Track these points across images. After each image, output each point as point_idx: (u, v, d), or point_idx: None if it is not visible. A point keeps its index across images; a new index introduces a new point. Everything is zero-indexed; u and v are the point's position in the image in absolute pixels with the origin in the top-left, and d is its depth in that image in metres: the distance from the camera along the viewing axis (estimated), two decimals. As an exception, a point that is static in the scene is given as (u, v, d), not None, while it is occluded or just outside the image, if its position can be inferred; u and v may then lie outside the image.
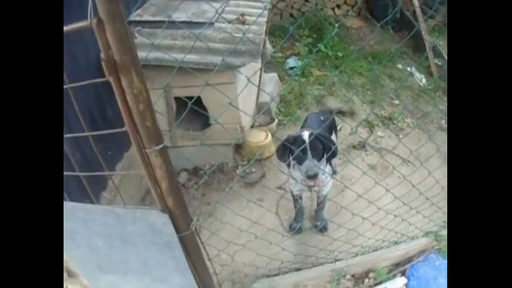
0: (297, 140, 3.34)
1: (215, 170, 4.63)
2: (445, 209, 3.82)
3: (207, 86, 3.25)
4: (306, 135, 3.35)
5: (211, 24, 4.04)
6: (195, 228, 2.00)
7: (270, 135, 4.95)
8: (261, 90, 5.28)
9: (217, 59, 3.73)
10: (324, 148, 3.37)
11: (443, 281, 3.46)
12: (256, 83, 5.08)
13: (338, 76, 6.96)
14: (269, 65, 6.50)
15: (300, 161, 3.34)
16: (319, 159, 3.37)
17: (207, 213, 4.08)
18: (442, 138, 5.37)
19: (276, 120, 5.30)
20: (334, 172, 3.86)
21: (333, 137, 4.20)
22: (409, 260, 3.67)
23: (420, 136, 5.33)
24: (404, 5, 8.83)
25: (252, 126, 5.01)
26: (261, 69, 5.31)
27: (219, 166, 4.68)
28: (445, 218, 3.91)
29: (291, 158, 3.45)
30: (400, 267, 3.63)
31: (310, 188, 3.59)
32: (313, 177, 3.29)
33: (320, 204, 4.02)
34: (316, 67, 7.04)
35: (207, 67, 3.70)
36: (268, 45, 5.80)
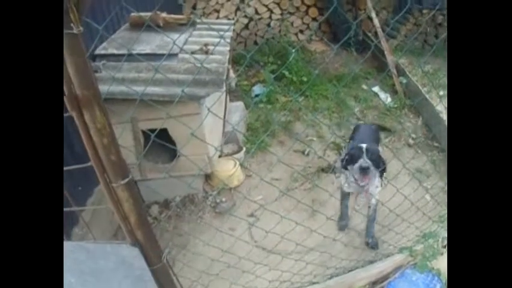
0: (355, 148, 3.69)
1: (186, 202, 4.60)
2: (417, 224, 3.87)
3: (174, 118, 3.27)
4: (364, 146, 3.64)
5: (175, 55, 4.06)
6: (167, 261, 1.98)
7: (238, 164, 4.95)
8: (227, 120, 5.30)
9: (182, 91, 3.74)
10: (377, 160, 3.66)
11: None
12: (222, 112, 5.09)
13: (304, 101, 7.02)
14: (235, 93, 6.54)
15: (355, 160, 3.62)
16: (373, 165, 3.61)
17: (180, 245, 4.04)
18: (410, 154, 5.46)
19: (244, 149, 5.31)
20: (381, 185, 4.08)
21: (380, 148, 4.42)
22: (385, 277, 3.68)
23: (388, 154, 5.41)
24: (366, 27, 9.04)
25: (220, 156, 5.01)
26: (226, 99, 5.34)
27: (189, 197, 4.65)
28: (418, 233, 3.95)
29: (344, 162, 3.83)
30: (377, 285, 3.64)
31: (360, 186, 3.82)
32: (366, 170, 3.56)
33: (371, 217, 4.18)
34: (281, 93, 7.08)
35: (172, 99, 3.70)
36: (232, 74, 5.84)
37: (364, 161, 3.55)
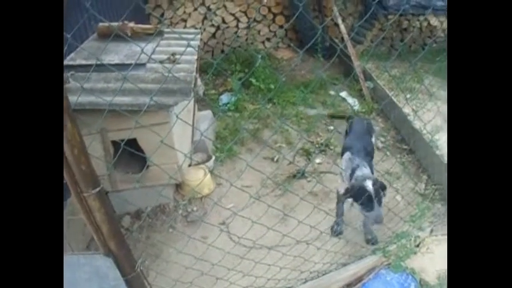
0: (360, 191, 3.66)
1: (157, 212, 4.58)
2: (389, 225, 3.93)
3: (143, 127, 3.26)
4: (369, 184, 3.63)
5: (143, 65, 4.05)
6: (141, 270, 1.98)
7: (208, 173, 4.95)
8: (196, 128, 5.30)
9: (150, 100, 3.72)
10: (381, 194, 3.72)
11: None
12: (190, 121, 5.09)
13: (271, 108, 7.06)
14: (203, 103, 6.54)
15: (366, 208, 3.68)
16: (380, 202, 3.68)
17: (153, 255, 4.02)
18: (379, 157, 5.54)
19: (213, 157, 5.31)
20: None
21: (373, 139, 4.82)
22: (359, 279, 3.72)
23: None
24: (333, 33, 9.14)
25: (190, 165, 5.00)
26: (194, 108, 5.34)
27: (160, 207, 4.63)
28: (390, 234, 4.02)
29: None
30: (352, 287, 3.67)
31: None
32: (380, 222, 3.71)
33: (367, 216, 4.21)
34: (249, 101, 7.11)
35: (141, 108, 3.69)
36: (199, 82, 5.84)
37: (379, 214, 3.65)
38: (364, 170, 3.92)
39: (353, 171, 3.98)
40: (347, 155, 4.27)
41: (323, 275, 3.69)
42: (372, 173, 4.11)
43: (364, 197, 3.58)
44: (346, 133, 4.83)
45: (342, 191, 4.10)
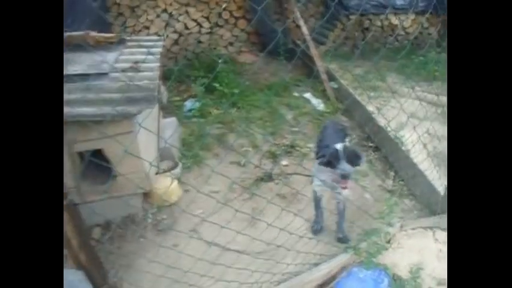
0: (331, 149, 3.79)
1: (127, 222, 4.54)
2: (359, 223, 3.99)
3: (108, 137, 3.24)
4: (340, 149, 3.72)
5: (106, 74, 4.02)
6: (114, 282, 1.98)
7: (175, 180, 4.94)
8: (161, 136, 5.28)
9: (114, 109, 3.71)
10: (354, 158, 3.76)
11: None
12: (155, 129, 5.07)
13: (236, 112, 7.07)
14: (167, 110, 6.51)
15: (333, 165, 3.70)
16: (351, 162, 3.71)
17: (125, 265, 3.98)
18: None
19: (180, 164, 5.30)
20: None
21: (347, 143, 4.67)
22: (332, 278, 3.76)
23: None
24: (296, 35, 9.21)
25: (157, 173, 4.98)
26: (159, 115, 5.32)
27: (129, 217, 4.58)
28: (360, 231, 4.07)
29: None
30: (325, 286, 3.71)
31: (337, 189, 4.04)
32: (346, 177, 3.70)
33: (340, 214, 4.32)
34: (213, 106, 7.09)
35: (105, 118, 3.67)
36: (163, 90, 5.82)
37: (343, 168, 3.65)
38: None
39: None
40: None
41: (295, 276, 3.72)
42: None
43: (332, 155, 3.70)
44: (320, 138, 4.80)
45: (317, 190, 4.24)
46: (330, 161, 3.72)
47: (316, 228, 4.45)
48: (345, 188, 3.84)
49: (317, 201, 4.39)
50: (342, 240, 4.29)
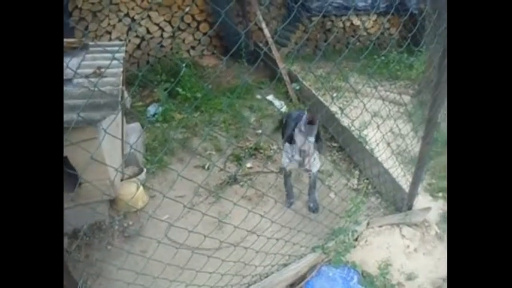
0: (293, 117, 4.43)
1: (94, 229, 4.48)
2: (326, 222, 4.03)
3: (72, 145, 3.20)
4: (300, 116, 4.35)
5: (69, 80, 3.97)
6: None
7: (141, 186, 4.91)
8: (125, 141, 5.23)
9: (78, 116, 3.65)
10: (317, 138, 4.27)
11: None
12: (119, 135, 5.02)
13: (199, 116, 7.06)
14: (131, 115, 6.46)
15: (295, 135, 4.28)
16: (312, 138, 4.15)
17: (94, 274, 3.93)
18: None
19: (145, 170, 5.27)
20: (319, 152, 4.70)
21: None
22: (302, 277, 3.80)
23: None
24: (258, 38, 9.23)
25: (122, 179, 4.94)
26: (122, 121, 5.28)
27: (96, 224, 4.53)
28: (328, 230, 4.12)
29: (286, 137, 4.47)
30: (295, 286, 3.75)
31: (301, 163, 4.53)
32: (305, 152, 4.28)
33: (312, 184, 4.85)
34: (176, 111, 7.06)
35: (69, 125, 3.61)
36: (126, 95, 5.77)
37: (302, 140, 4.16)
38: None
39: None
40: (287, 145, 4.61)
41: (265, 277, 3.74)
42: (319, 152, 4.69)
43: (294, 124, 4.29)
44: (283, 129, 5.03)
45: (286, 165, 4.68)
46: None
47: (290, 202, 4.96)
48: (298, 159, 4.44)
49: (286, 177, 4.90)
50: (312, 209, 4.71)
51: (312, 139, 4.14)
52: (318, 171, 4.80)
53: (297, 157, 4.46)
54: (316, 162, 4.63)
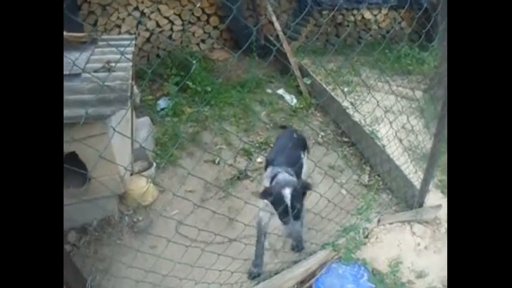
0: (277, 198, 3.11)
1: (103, 225, 4.47)
2: (337, 219, 4.00)
3: (81, 140, 3.18)
4: (288, 193, 3.05)
5: (78, 75, 3.94)
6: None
7: (150, 181, 4.89)
8: (135, 137, 5.22)
9: (87, 111, 3.63)
10: (302, 199, 3.21)
11: (351, 286, 3.64)
12: (129, 130, 5.00)
13: (209, 110, 7.04)
14: (140, 109, 6.44)
15: (282, 219, 3.14)
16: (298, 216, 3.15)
17: (103, 270, 3.92)
18: (320, 152, 5.63)
19: (154, 164, 5.25)
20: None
21: (304, 156, 4.18)
22: (312, 275, 3.78)
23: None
24: (268, 31, 9.19)
25: (132, 174, 4.92)
26: (132, 115, 5.26)
27: (106, 220, 4.51)
28: (338, 228, 4.08)
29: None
30: (305, 283, 3.73)
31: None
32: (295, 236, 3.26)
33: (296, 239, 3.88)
34: (187, 105, 7.05)
35: (78, 121, 3.59)
36: (136, 89, 5.75)
37: (292, 229, 3.13)
38: (286, 176, 3.40)
39: (273, 178, 3.43)
40: (269, 169, 3.70)
41: (275, 274, 3.71)
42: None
43: (281, 207, 3.08)
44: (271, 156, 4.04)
45: (262, 222, 3.72)
46: (279, 212, 3.15)
47: (254, 272, 3.86)
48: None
49: (260, 233, 3.79)
50: (296, 248, 4.06)
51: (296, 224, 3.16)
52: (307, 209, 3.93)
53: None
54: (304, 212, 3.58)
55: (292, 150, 3.89)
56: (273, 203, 3.16)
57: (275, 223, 3.43)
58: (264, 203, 3.44)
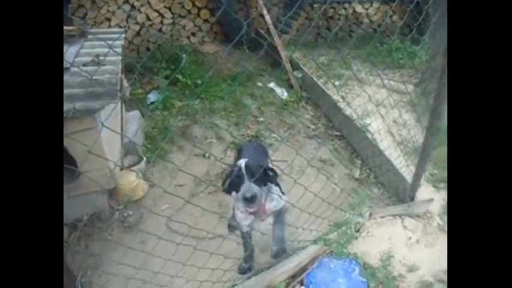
0: (233, 169, 3.21)
1: (93, 220, 4.43)
2: (327, 213, 3.98)
3: (70, 135, 3.14)
4: (242, 163, 3.17)
5: (67, 69, 3.89)
6: (82, 285, 1.93)
7: (140, 175, 4.85)
8: (125, 130, 5.18)
9: (76, 105, 3.59)
10: (265, 176, 3.26)
11: (342, 280, 3.62)
12: (119, 124, 4.96)
13: (199, 104, 7.00)
14: (130, 103, 6.39)
15: (237, 186, 3.15)
16: (260, 186, 3.16)
17: (94, 266, 3.88)
18: (312, 145, 5.61)
19: (145, 159, 5.21)
20: (283, 193, 3.64)
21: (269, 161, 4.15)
22: (304, 269, 3.76)
23: (291, 148, 5.50)
24: (259, 24, 9.15)
25: (122, 169, 4.88)
26: (121, 109, 5.21)
27: (96, 215, 4.47)
28: (329, 222, 4.07)
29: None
30: (296, 278, 3.71)
31: (255, 216, 3.43)
32: (252, 200, 3.06)
33: (278, 219, 3.77)
34: (177, 98, 7.01)
35: (67, 115, 3.55)
36: (125, 83, 5.70)
37: (247, 187, 3.08)
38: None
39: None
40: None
41: (267, 269, 3.70)
42: (283, 193, 3.67)
43: (237, 173, 3.14)
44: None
45: (242, 224, 3.61)
46: (233, 182, 3.21)
47: (244, 268, 3.86)
48: (252, 213, 3.31)
49: (245, 238, 3.74)
50: (275, 254, 3.89)
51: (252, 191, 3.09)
52: (288, 202, 3.69)
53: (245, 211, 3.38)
54: (278, 204, 3.57)
55: (260, 157, 3.95)
56: (232, 183, 3.21)
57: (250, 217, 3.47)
58: (234, 195, 3.36)
